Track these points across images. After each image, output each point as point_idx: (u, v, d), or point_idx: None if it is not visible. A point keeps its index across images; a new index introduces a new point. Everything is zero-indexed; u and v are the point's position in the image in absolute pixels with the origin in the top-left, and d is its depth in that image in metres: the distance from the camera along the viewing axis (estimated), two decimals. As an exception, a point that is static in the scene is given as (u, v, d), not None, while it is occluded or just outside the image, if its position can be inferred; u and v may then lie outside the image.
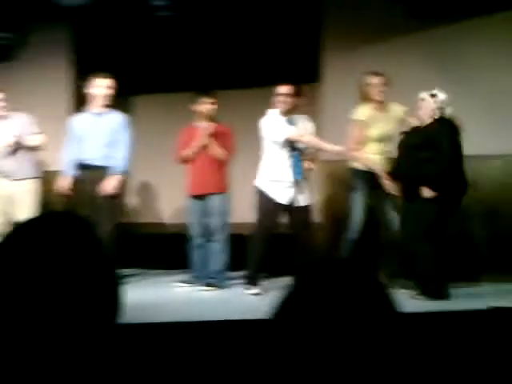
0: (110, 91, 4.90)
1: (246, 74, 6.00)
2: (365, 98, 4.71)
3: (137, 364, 1.00)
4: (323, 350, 0.85)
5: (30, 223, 1.03)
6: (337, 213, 5.58)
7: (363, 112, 4.67)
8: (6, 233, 1.02)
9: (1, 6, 5.93)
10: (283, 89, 4.67)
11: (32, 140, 5.09)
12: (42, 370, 0.91)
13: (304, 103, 4.82)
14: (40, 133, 5.14)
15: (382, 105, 4.68)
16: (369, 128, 4.65)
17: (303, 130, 4.73)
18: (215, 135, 4.95)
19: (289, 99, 4.66)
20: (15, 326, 0.94)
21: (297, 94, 4.70)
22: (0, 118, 5.06)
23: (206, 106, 4.98)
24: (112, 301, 1.00)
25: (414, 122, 4.50)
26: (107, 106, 4.93)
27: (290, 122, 4.69)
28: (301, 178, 4.68)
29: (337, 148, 4.63)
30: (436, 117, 4.28)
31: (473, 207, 5.23)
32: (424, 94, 4.31)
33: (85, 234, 1.01)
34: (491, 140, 5.12)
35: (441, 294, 4.13)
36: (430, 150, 4.18)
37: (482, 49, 5.27)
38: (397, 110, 4.70)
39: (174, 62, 6.27)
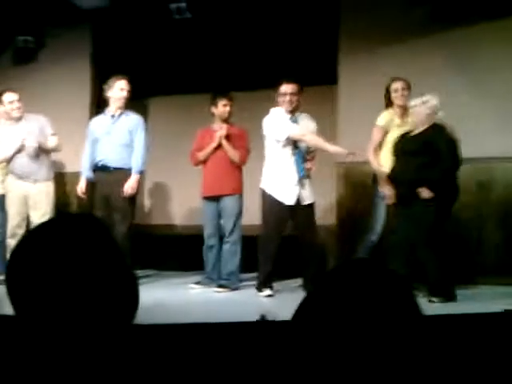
0: (126, 93, 4.95)
1: (262, 76, 6.01)
2: (388, 103, 4.76)
3: (150, 364, 1.01)
4: (346, 352, 0.84)
5: (47, 225, 1.05)
6: (351, 215, 5.57)
7: (384, 117, 4.72)
8: (23, 234, 1.04)
9: (21, 9, 6.02)
10: (289, 88, 4.66)
11: (49, 142, 5.15)
12: (62, 368, 0.93)
13: (303, 102, 4.82)
14: (55, 134, 5.20)
15: (404, 109, 4.68)
16: (388, 133, 4.68)
17: (305, 128, 4.72)
18: (230, 137, 4.97)
19: (294, 98, 4.66)
20: (33, 325, 0.97)
21: (299, 92, 4.70)
22: (16, 120, 5.12)
23: (221, 107, 5.01)
24: (130, 301, 1.02)
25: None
26: (123, 108, 4.98)
27: (293, 121, 4.68)
28: (304, 177, 4.66)
29: (338, 149, 4.61)
30: (430, 122, 4.30)
31: (488, 209, 5.21)
32: (416, 101, 4.35)
33: (101, 236, 1.03)
34: (506, 141, 5.10)
35: (450, 296, 4.12)
36: (427, 155, 4.21)
37: (497, 51, 5.25)
38: None
39: (190, 64, 6.30)
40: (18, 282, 0.98)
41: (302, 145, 4.69)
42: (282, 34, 5.97)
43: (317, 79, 5.92)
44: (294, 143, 4.65)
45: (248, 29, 6.05)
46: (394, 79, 4.71)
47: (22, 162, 5.06)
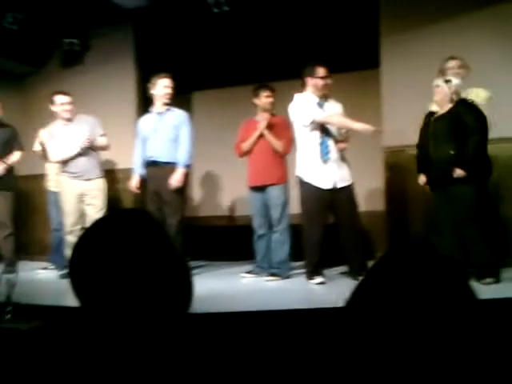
0: (170, 90, 5.05)
1: (303, 65, 6.01)
2: None
3: (205, 351, 1.06)
4: (404, 339, 0.84)
5: (104, 221, 1.11)
6: (399, 200, 5.53)
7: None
8: (82, 230, 1.11)
9: (66, 12, 6.19)
10: (322, 71, 4.62)
11: (99, 141, 5.31)
12: (124, 353, 0.99)
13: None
14: (104, 135, 5.35)
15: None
16: None
17: (332, 111, 4.65)
18: (273, 127, 5.00)
19: (326, 82, 4.62)
20: (96, 315, 1.03)
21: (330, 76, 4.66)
22: (68, 121, 5.29)
23: (263, 99, 5.04)
24: (185, 291, 1.07)
25: (433, 109, 4.44)
26: (168, 105, 5.08)
27: (320, 105, 4.65)
28: (337, 160, 4.62)
29: (364, 126, 4.44)
30: (453, 101, 4.21)
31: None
32: (438, 81, 4.27)
33: (155, 229, 1.08)
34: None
35: (498, 276, 4.03)
36: (457, 132, 4.12)
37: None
38: (479, 95, 4.48)
39: (231, 56, 6.33)
40: (80, 275, 1.05)
41: (332, 128, 4.66)
42: (322, 20, 5.93)
43: (360, 64, 5.87)
44: (321, 127, 4.62)
45: (287, 18, 6.04)
46: (449, 58, 4.58)
47: (75, 161, 5.22)
